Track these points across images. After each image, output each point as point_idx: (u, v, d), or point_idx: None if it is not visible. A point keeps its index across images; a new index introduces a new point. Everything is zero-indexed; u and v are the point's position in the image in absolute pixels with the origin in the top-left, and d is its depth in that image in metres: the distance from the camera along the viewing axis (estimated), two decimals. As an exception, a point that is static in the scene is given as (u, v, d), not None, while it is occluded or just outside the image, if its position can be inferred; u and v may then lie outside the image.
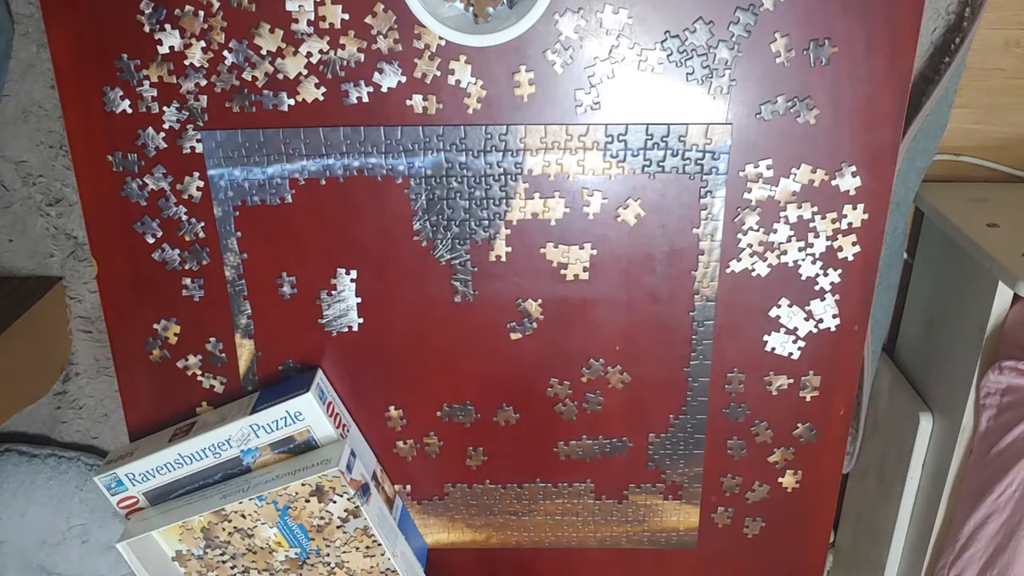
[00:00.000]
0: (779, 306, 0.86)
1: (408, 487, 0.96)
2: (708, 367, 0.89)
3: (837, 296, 0.86)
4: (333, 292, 0.86)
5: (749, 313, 0.87)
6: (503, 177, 0.82)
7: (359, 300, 0.87)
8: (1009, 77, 1.25)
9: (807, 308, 0.86)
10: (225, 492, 0.86)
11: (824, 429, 0.92)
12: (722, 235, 0.84)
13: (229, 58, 0.78)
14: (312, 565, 0.89)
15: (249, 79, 0.79)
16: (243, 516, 0.86)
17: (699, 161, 0.81)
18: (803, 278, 0.85)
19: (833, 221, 0.83)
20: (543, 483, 0.95)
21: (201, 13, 0.77)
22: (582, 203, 0.83)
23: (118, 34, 0.78)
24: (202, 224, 0.84)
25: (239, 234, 0.84)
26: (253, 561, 0.90)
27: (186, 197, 0.83)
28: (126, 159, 0.82)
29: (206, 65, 0.79)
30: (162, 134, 0.81)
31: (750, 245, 0.84)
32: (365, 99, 0.79)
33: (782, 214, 0.83)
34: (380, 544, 0.86)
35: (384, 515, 0.88)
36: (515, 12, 0.75)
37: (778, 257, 0.85)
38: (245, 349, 0.89)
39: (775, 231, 0.84)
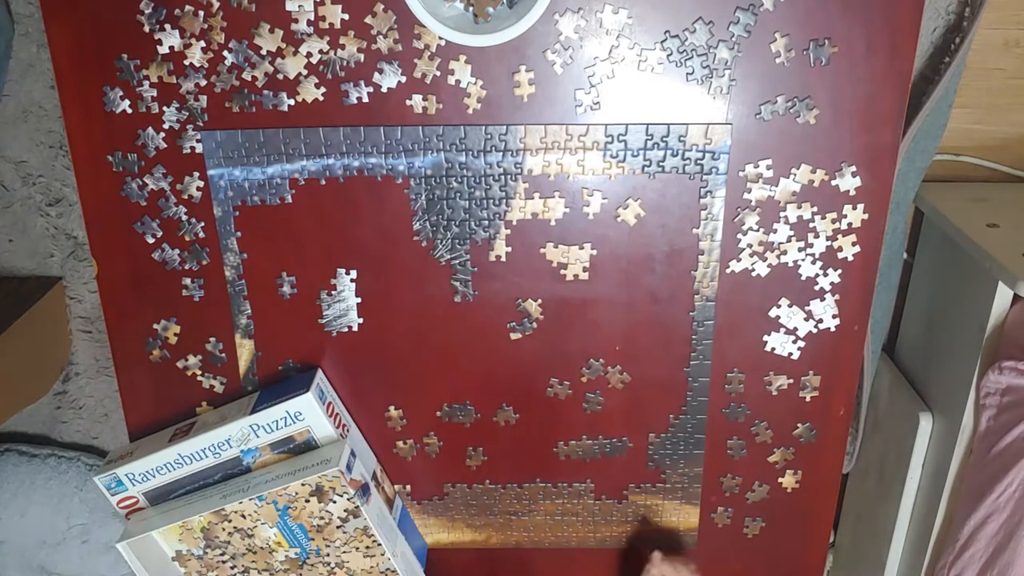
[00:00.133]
0: (779, 306, 0.86)
1: (408, 487, 0.96)
2: (708, 367, 0.89)
3: (837, 296, 0.86)
4: (333, 292, 0.86)
5: (749, 313, 0.87)
6: (503, 177, 0.82)
7: (359, 300, 0.87)
8: (1009, 77, 1.25)
9: (807, 308, 0.86)
10: (225, 492, 0.86)
11: (824, 429, 0.92)
12: (722, 235, 0.84)
13: (229, 58, 0.78)
14: (312, 565, 0.89)
15: (249, 79, 0.79)
16: (243, 516, 0.86)
17: (699, 161, 0.81)
18: (803, 278, 0.85)
19: (833, 221, 0.83)
20: (543, 483, 0.95)
21: (201, 13, 0.77)
22: (582, 203, 0.83)
23: (118, 34, 0.78)
24: (202, 224, 0.84)
25: (239, 234, 0.84)
26: (253, 561, 0.90)
27: (186, 197, 0.83)
28: (126, 159, 0.82)
29: (206, 65, 0.79)
30: (162, 134, 0.81)
31: (750, 245, 0.84)
32: (365, 99, 0.79)
33: (782, 214, 0.83)
34: (380, 544, 0.86)
35: (384, 515, 0.88)
36: (515, 12, 0.75)
37: (778, 257, 0.85)
38: (245, 349, 0.89)
39: (775, 231, 0.84)
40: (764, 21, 0.77)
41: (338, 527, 0.86)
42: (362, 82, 0.79)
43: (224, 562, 0.90)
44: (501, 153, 0.81)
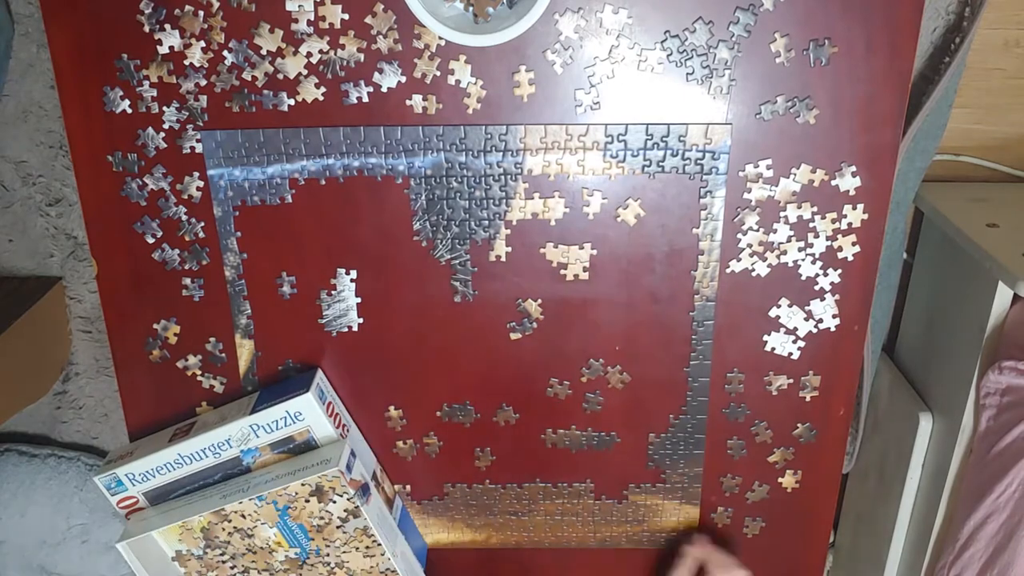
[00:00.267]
0: (779, 306, 0.86)
1: (408, 487, 0.96)
2: (708, 367, 0.89)
3: (837, 296, 0.86)
4: (333, 292, 0.86)
5: (749, 313, 0.87)
6: (503, 177, 0.82)
7: (359, 300, 0.87)
8: (1009, 77, 1.25)
9: (807, 308, 0.86)
10: (225, 492, 0.86)
11: (824, 429, 0.92)
12: (722, 235, 0.84)
13: (229, 58, 0.78)
14: (312, 565, 0.89)
15: (249, 79, 0.79)
16: (243, 516, 0.86)
17: (699, 161, 0.81)
18: (803, 278, 0.85)
19: (833, 221, 0.83)
20: (543, 483, 0.95)
21: (201, 13, 0.77)
22: (582, 203, 0.83)
23: (118, 34, 0.78)
24: (202, 224, 0.84)
25: (239, 234, 0.84)
26: (253, 561, 0.90)
27: (186, 197, 0.83)
28: (126, 159, 0.82)
29: (206, 65, 0.79)
30: (162, 134, 0.81)
31: (750, 245, 0.84)
32: (365, 99, 0.79)
33: (782, 214, 0.83)
34: (380, 544, 0.86)
35: (384, 515, 0.88)
36: (515, 12, 0.75)
37: (778, 257, 0.85)
38: (245, 349, 0.89)
39: (775, 231, 0.84)
40: (764, 21, 0.77)
41: (338, 527, 0.86)
42: (362, 82, 0.79)
43: (224, 562, 0.90)
44: (501, 153, 0.81)
